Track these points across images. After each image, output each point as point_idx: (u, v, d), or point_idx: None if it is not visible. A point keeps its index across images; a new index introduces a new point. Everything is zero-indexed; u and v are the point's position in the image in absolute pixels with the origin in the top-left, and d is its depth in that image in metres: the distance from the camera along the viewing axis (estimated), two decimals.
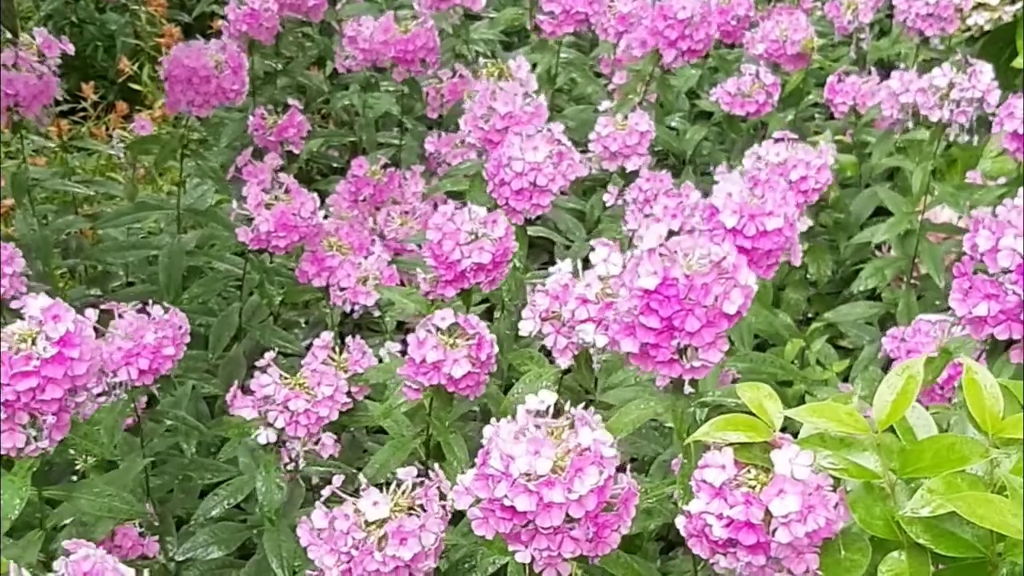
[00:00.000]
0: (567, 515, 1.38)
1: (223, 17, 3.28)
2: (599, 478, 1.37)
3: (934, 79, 2.59)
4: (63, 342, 1.65)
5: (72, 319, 1.66)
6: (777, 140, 2.35)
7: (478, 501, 1.42)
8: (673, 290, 1.45)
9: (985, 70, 2.56)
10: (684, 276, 1.45)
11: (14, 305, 1.71)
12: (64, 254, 3.03)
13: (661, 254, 1.48)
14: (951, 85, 2.58)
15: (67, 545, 1.54)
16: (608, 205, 2.85)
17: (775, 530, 1.25)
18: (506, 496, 1.37)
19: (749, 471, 1.29)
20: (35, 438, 1.71)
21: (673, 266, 1.46)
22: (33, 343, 1.64)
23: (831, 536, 1.28)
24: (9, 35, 2.46)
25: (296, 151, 3.07)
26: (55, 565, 1.50)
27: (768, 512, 1.25)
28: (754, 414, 1.34)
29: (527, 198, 2.20)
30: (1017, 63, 2.96)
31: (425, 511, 1.56)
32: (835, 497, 1.27)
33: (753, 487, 1.27)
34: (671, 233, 1.74)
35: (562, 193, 2.30)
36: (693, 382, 1.58)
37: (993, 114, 2.55)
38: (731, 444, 1.30)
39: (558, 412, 1.46)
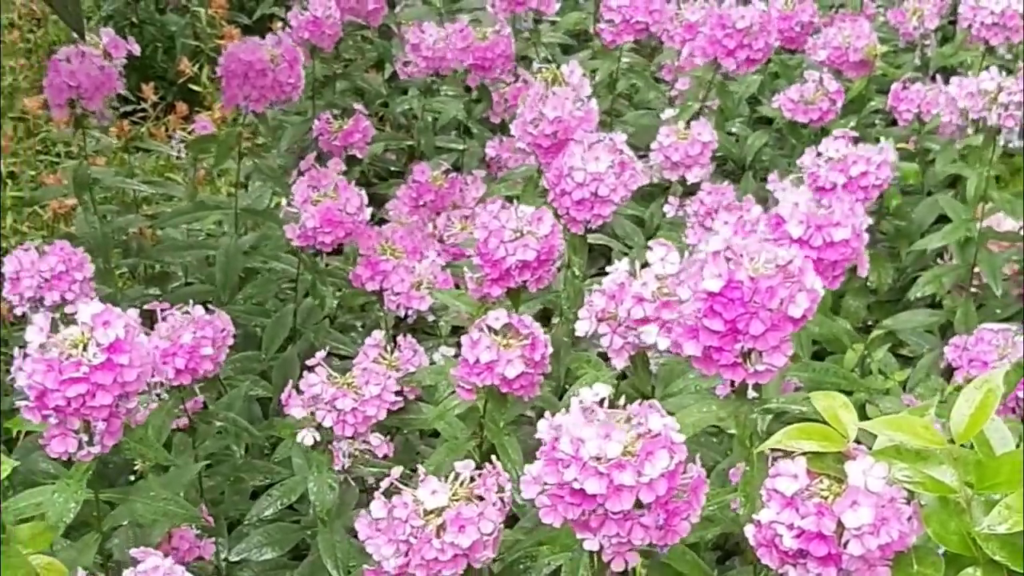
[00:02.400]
0: (637, 500, 1.37)
1: (282, 19, 3.30)
2: (670, 462, 1.37)
3: (982, 83, 2.58)
4: (113, 348, 1.64)
5: (123, 325, 1.65)
6: (837, 138, 2.32)
7: (545, 489, 1.41)
8: (738, 293, 1.44)
9: None
10: (749, 279, 1.44)
11: (67, 309, 1.71)
12: (124, 253, 3.04)
13: (726, 257, 1.46)
14: (999, 88, 2.55)
15: (135, 553, 1.54)
16: (669, 215, 2.83)
17: (847, 542, 1.23)
18: (576, 479, 1.36)
19: (821, 481, 1.27)
20: (87, 443, 1.71)
21: (738, 269, 1.44)
22: (84, 349, 1.64)
23: (904, 550, 1.25)
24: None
25: (360, 156, 3.08)
26: (125, 574, 1.50)
27: (840, 524, 1.23)
28: (826, 423, 1.32)
29: (588, 208, 2.18)
30: None
31: (483, 500, 1.55)
32: (909, 510, 1.25)
33: (826, 498, 1.25)
34: None
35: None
36: (757, 387, 1.56)
37: None
38: (803, 453, 1.28)
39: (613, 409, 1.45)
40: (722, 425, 1.74)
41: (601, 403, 1.43)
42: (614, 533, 1.40)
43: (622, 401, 1.46)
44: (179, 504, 1.90)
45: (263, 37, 2.95)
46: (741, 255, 1.46)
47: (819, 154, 2.33)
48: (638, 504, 1.38)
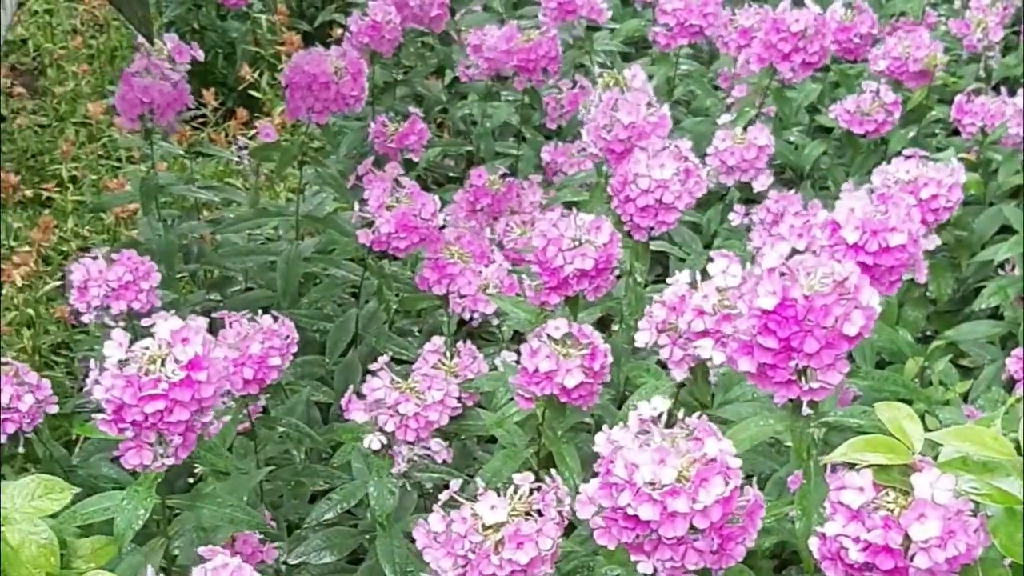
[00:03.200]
0: (691, 526, 1.36)
1: (343, 26, 3.31)
2: (724, 489, 1.36)
3: None
4: (192, 365, 1.66)
5: (200, 341, 1.66)
6: (908, 157, 2.31)
7: (600, 510, 1.41)
8: (792, 311, 1.44)
9: None
10: (803, 297, 1.43)
11: (144, 322, 1.72)
12: (185, 259, 3.07)
13: (782, 273, 1.46)
14: None
15: (203, 552, 1.56)
16: (735, 224, 2.82)
17: (914, 555, 1.23)
18: (630, 505, 1.36)
19: (887, 494, 1.27)
20: (161, 455, 1.73)
21: (793, 286, 1.44)
22: (162, 365, 1.65)
23: (971, 562, 1.25)
24: (145, 41, 2.49)
25: (416, 159, 3.09)
26: (194, 572, 1.51)
27: (907, 536, 1.23)
28: (889, 433, 1.31)
29: (652, 215, 2.18)
30: None
31: (542, 515, 1.55)
32: (976, 522, 1.24)
33: (892, 510, 1.25)
34: (794, 252, 1.72)
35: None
36: (812, 403, 1.55)
37: None
38: (869, 465, 1.27)
39: (671, 422, 1.45)
40: (779, 437, 1.74)
41: (659, 417, 1.43)
42: (668, 557, 1.41)
43: (680, 413, 1.46)
44: (243, 510, 1.91)
45: (324, 44, 2.97)
46: (797, 271, 1.46)
47: (888, 174, 2.31)
48: (692, 529, 1.38)
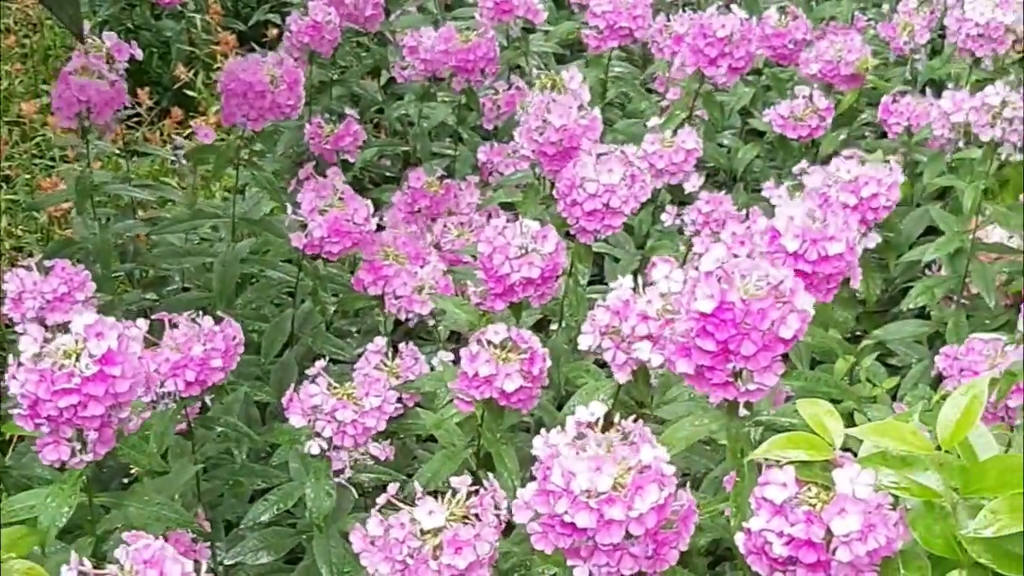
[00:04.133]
0: (627, 532, 1.39)
1: (278, 26, 3.32)
2: (659, 496, 1.38)
3: (987, 98, 2.60)
4: (105, 360, 1.66)
5: (115, 336, 1.66)
6: (847, 157, 2.35)
7: (537, 516, 1.43)
8: (729, 314, 1.46)
9: None
10: (741, 300, 1.46)
11: (61, 320, 1.72)
12: (121, 258, 3.06)
13: (719, 277, 1.48)
14: (1004, 104, 2.58)
15: (127, 536, 1.56)
16: (666, 225, 2.85)
17: (835, 549, 1.26)
18: (567, 512, 1.38)
19: (810, 489, 1.30)
20: (80, 451, 1.73)
21: (730, 290, 1.47)
22: (76, 360, 1.66)
23: (891, 555, 1.28)
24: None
25: (351, 160, 3.10)
26: (116, 553, 1.52)
27: (829, 531, 1.26)
28: (813, 431, 1.34)
29: (599, 219, 2.21)
30: None
31: (480, 520, 1.57)
32: (895, 516, 1.28)
33: (814, 505, 1.28)
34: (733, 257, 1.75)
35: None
36: (748, 404, 1.59)
37: None
38: (792, 462, 1.31)
39: (608, 424, 1.47)
40: (714, 437, 1.77)
41: (596, 422, 1.45)
42: (604, 563, 1.43)
43: (618, 415, 1.48)
44: (173, 508, 1.91)
45: (259, 43, 2.97)
46: (733, 275, 1.49)
47: (828, 175, 2.34)
48: (628, 535, 1.40)
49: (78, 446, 1.73)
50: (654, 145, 2.83)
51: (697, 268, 1.51)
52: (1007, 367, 1.77)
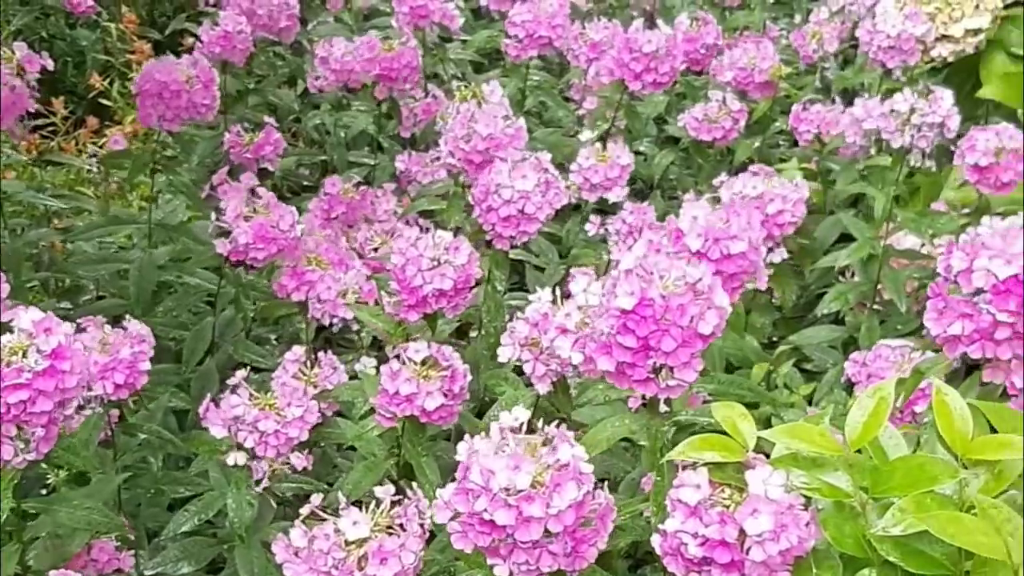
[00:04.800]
0: (546, 529, 1.40)
1: (194, 35, 3.30)
2: (578, 493, 1.39)
3: (896, 104, 2.63)
4: (55, 355, 1.65)
5: (63, 332, 1.66)
6: (754, 173, 2.38)
7: (457, 515, 1.44)
8: (650, 310, 1.48)
9: (945, 96, 2.60)
10: (661, 297, 1.48)
11: (4, 317, 1.71)
12: (35, 267, 3.03)
13: (638, 275, 1.50)
14: (912, 111, 2.62)
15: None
16: (591, 234, 2.88)
17: (749, 549, 1.27)
18: (486, 510, 1.39)
19: (723, 491, 1.32)
20: (23, 450, 1.71)
21: (650, 287, 1.48)
22: (24, 356, 1.65)
23: (803, 554, 1.30)
24: None
25: (271, 168, 3.10)
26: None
27: (742, 531, 1.27)
28: (727, 433, 1.36)
29: (514, 225, 2.22)
30: (980, 94, 3.01)
31: (404, 530, 1.57)
32: (807, 516, 1.29)
33: (727, 506, 1.30)
34: None
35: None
36: (667, 401, 1.60)
37: (954, 141, 2.60)
38: (706, 464, 1.33)
39: (531, 430, 1.48)
40: (633, 437, 1.79)
41: (520, 427, 1.46)
42: (523, 561, 1.44)
43: (540, 422, 1.49)
44: (102, 513, 1.90)
45: (175, 53, 2.96)
46: (652, 273, 1.51)
47: (736, 191, 2.38)
48: (547, 533, 1.41)
49: (21, 445, 1.71)
50: (589, 160, 2.85)
51: (616, 268, 1.53)
52: (914, 366, 1.80)
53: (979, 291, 1.56)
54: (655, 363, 1.52)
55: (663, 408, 1.63)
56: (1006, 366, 1.61)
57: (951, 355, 1.61)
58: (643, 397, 1.63)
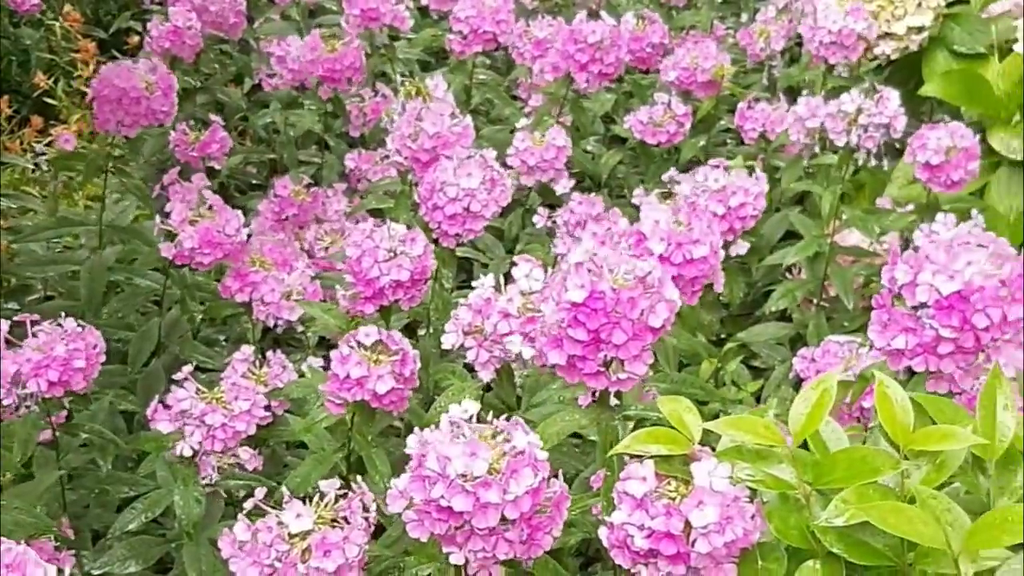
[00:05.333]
0: (502, 516, 1.41)
1: (139, 33, 3.29)
2: (534, 480, 1.41)
3: (842, 105, 2.66)
4: None
5: None
6: (715, 166, 2.40)
7: (410, 505, 1.44)
8: (600, 303, 1.49)
9: (892, 96, 2.63)
10: (611, 290, 1.49)
11: None
12: None
13: (588, 268, 1.51)
14: (859, 111, 2.65)
15: None
16: (538, 227, 2.89)
17: (695, 540, 1.28)
18: (443, 497, 1.39)
19: (669, 483, 1.33)
20: None
21: (600, 280, 1.49)
22: None
23: (749, 546, 1.31)
24: None
25: (218, 167, 3.09)
26: None
27: (688, 523, 1.28)
28: (675, 428, 1.38)
29: (460, 223, 2.23)
30: (923, 91, 3.05)
31: (349, 523, 1.57)
32: (752, 508, 1.31)
33: (673, 499, 1.31)
34: None
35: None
36: (618, 395, 1.62)
37: (900, 140, 2.63)
38: (652, 456, 1.34)
39: (480, 423, 1.49)
40: (584, 433, 1.80)
41: (469, 419, 1.47)
42: (479, 548, 1.44)
43: (489, 415, 1.50)
44: (33, 514, 1.89)
45: (120, 51, 2.94)
46: (603, 267, 1.52)
47: (697, 183, 2.39)
48: (503, 519, 1.42)
49: None
50: (525, 142, 2.86)
51: (566, 261, 1.54)
52: (861, 370, 1.82)
53: (923, 305, 1.57)
54: (606, 356, 1.53)
55: (613, 402, 1.63)
56: (949, 378, 1.62)
57: (894, 367, 1.62)
58: (594, 392, 1.64)
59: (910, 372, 1.70)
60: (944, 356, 1.58)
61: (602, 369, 1.55)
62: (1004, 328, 1.56)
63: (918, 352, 1.59)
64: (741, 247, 2.43)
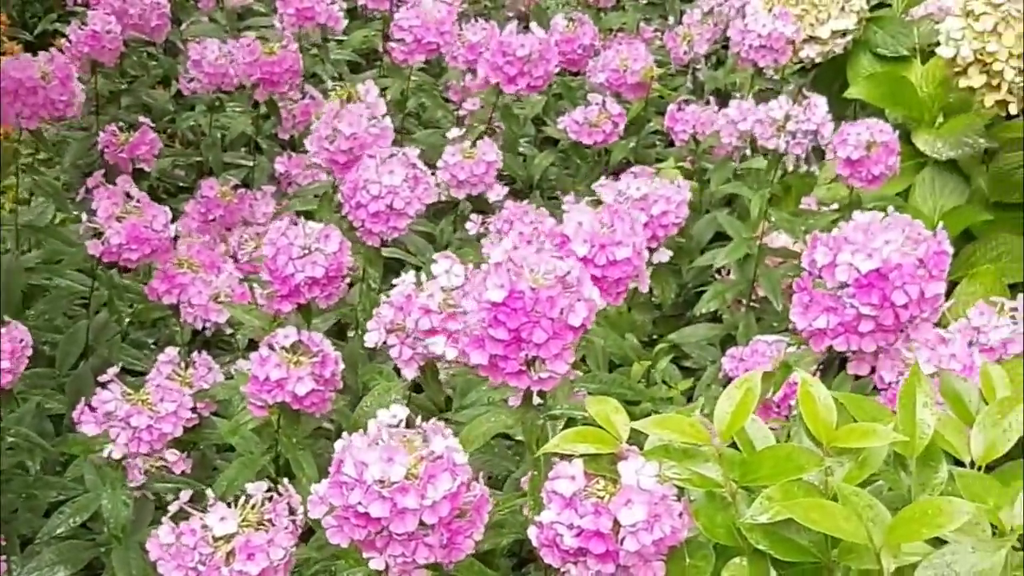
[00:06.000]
0: (421, 521, 1.41)
1: (65, 35, 3.26)
2: (452, 484, 1.41)
3: (771, 111, 2.68)
4: None
5: None
6: (636, 174, 2.41)
7: (332, 510, 1.44)
8: (520, 302, 1.49)
9: (820, 103, 2.66)
10: (530, 289, 1.49)
11: None
12: None
13: (508, 268, 1.51)
14: (787, 117, 2.67)
15: None
16: (471, 233, 2.90)
17: (623, 539, 1.29)
18: (360, 503, 1.39)
19: (598, 482, 1.33)
20: None
21: (520, 279, 1.50)
22: None
23: (677, 544, 1.32)
24: None
25: (147, 168, 3.07)
26: None
27: (616, 521, 1.29)
28: (603, 427, 1.39)
29: (384, 221, 2.23)
30: (848, 94, 3.08)
31: (274, 526, 1.57)
32: (680, 506, 1.32)
33: (602, 497, 1.31)
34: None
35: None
36: (542, 394, 1.62)
37: (828, 144, 2.66)
38: (581, 456, 1.34)
39: (409, 427, 1.49)
40: (513, 434, 1.80)
41: (399, 424, 1.47)
42: (399, 553, 1.44)
43: (418, 418, 1.50)
44: None
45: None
46: (522, 266, 1.53)
47: (619, 192, 2.40)
48: (422, 524, 1.42)
49: None
50: (455, 156, 2.86)
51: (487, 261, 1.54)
52: (781, 359, 1.85)
53: (843, 285, 1.60)
54: (527, 355, 1.53)
55: (537, 401, 1.64)
56: (870, 358, 1.65)
57: (817, 348, 1.66)
58: (519, 391, 1.65)
59: (841, 363, 1.73)
60: (865, 334, 1.61)
61: (524, 368, 1.55)
62: (922, 305, 1.60)
63: (840, 332, 1.62)
64: (663, 255, 2.45)
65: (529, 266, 1.52)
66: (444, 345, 1.71)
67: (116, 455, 1.98)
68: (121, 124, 3.12)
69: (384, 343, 1.93)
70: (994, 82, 2.55)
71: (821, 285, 1.63)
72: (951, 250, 1.63)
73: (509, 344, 1.52)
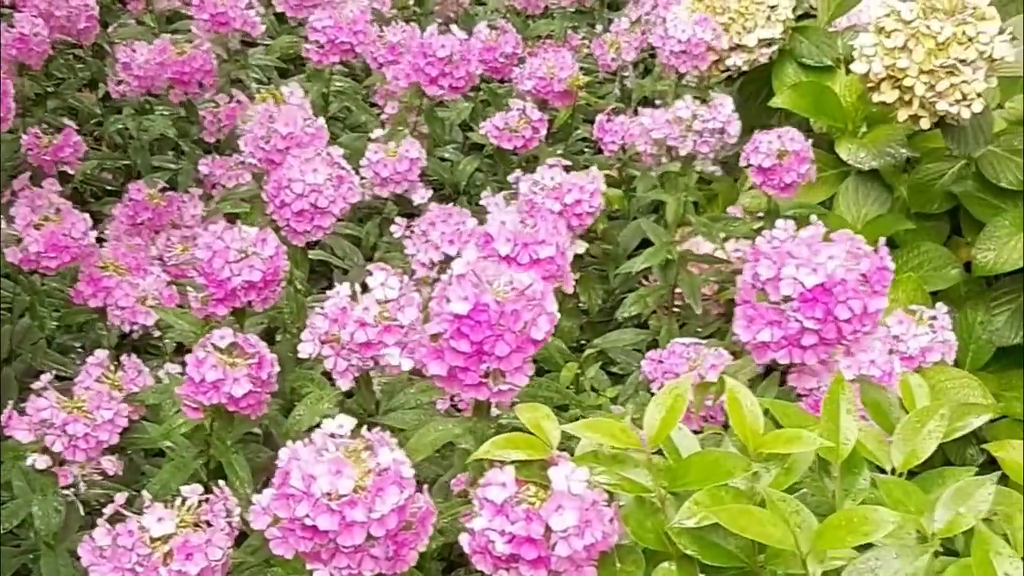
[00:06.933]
0: (368, 534, 1.41)
1: None
2: (400, 497, 1.41)
3: (678, 111, 2.70)
4: None
5: None
6: (551, 166, 2.43)
7: (276, 521, 1.44)
8: (484, 315, 1.49)
9: (726, 102, 2.69)
10: (495, 302, 1.50)
11: None
12: None
13: (471, 281, 1.52)
14: (694, 116, 2.70)
15: None
16: (396, 236, 2.90)
17: (555, 544, 1.30)
18: (308, 515, 1.39)
19: (529, 488, 1.35)
20: None
21: (484, 292, 1.50)
22: None
23: (607, 549, 1.34)
24: None
25: (72, 172, 3.05)
26: None
27: (548, 527, 1.30)
28: (534, 434, 1.40)
29: (308, 220, 2.24)
30: (773, 103, 3.12)
31: (211, 526, 1.57)
32: (610, 512, 1.33)
33: (533, 503, 1.33)
34: (448, 259, 1.78)
35: (339, 219, 2.35)
36: (498, 405, 1.63)
37: (736, 146, 2.69)
38: (512, 462, 1.36)
39: (354, 435, 1.50)
40: (457, 441, 1.81)
41: (343, 435, 1.46)
42: (345, 565, 1.44)
43: (362, 429, 1.50)
44: None
45: None
46: (483, 279, 1.53)
47: (535, 182, 2.43)
48: (369, 537, 1.42)
49: None
50: (378, 154, 2.87)
51: (416, 272, 1.55)
52: (708, 375, 1.88)
53: (787, 299, 1.62)
54: (487, 367, 1.54)
55: (495, 412, 1.66)
56: (811, 371, 1.68)
57: (760, 360, 1.67)
58: (452, 398, 1.66)
59: (766, 370, 1.76)
60: (808, 348, 1.63)
61: (483, 380, 1.55)
62: (864, 320, 1.63)
63: (783, 345, 1.64)
64: (579, 247, 2.47)
65: (488, 278, 1.53)
66: (400, 356, 1.72)
67: (38, 465, 1.97)
68: (46, 127, 3.09)
69: (319, 354, 1.93)
70: (906, 97, 2.59)
71: (763, 298, 1.65)
72: (893, 266, 1.66)
73: (471, 356, 1.52)
